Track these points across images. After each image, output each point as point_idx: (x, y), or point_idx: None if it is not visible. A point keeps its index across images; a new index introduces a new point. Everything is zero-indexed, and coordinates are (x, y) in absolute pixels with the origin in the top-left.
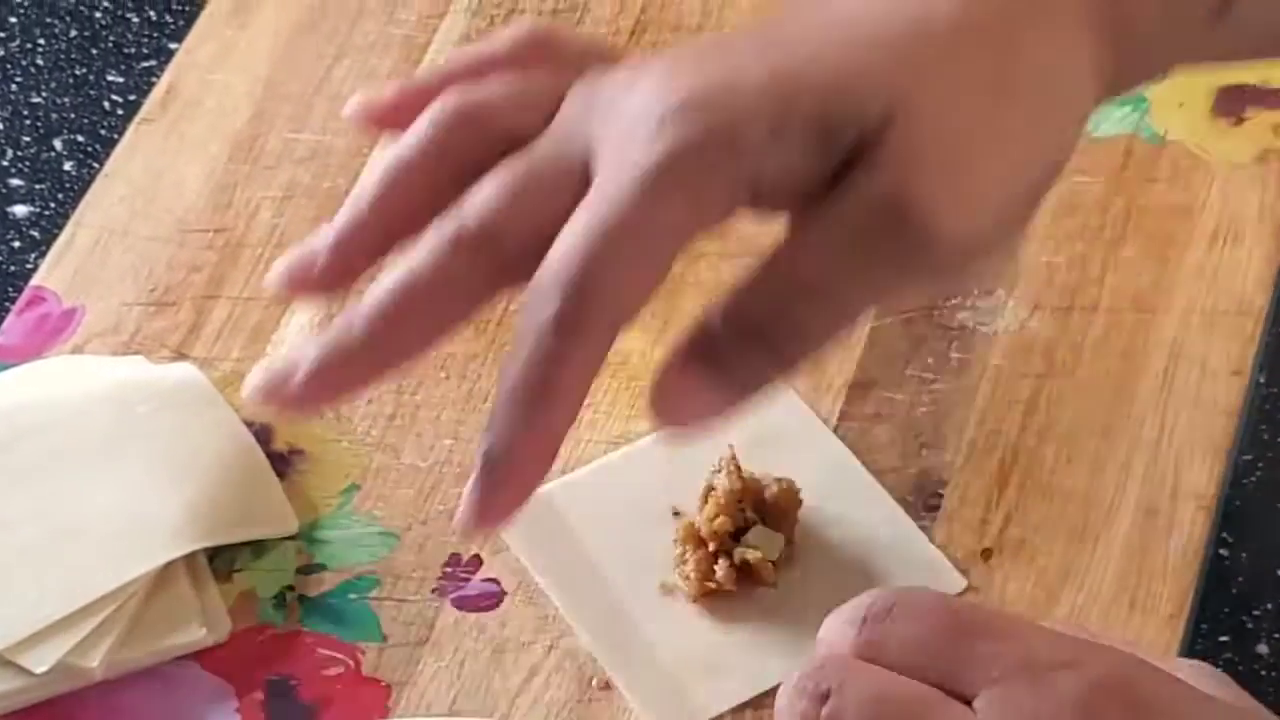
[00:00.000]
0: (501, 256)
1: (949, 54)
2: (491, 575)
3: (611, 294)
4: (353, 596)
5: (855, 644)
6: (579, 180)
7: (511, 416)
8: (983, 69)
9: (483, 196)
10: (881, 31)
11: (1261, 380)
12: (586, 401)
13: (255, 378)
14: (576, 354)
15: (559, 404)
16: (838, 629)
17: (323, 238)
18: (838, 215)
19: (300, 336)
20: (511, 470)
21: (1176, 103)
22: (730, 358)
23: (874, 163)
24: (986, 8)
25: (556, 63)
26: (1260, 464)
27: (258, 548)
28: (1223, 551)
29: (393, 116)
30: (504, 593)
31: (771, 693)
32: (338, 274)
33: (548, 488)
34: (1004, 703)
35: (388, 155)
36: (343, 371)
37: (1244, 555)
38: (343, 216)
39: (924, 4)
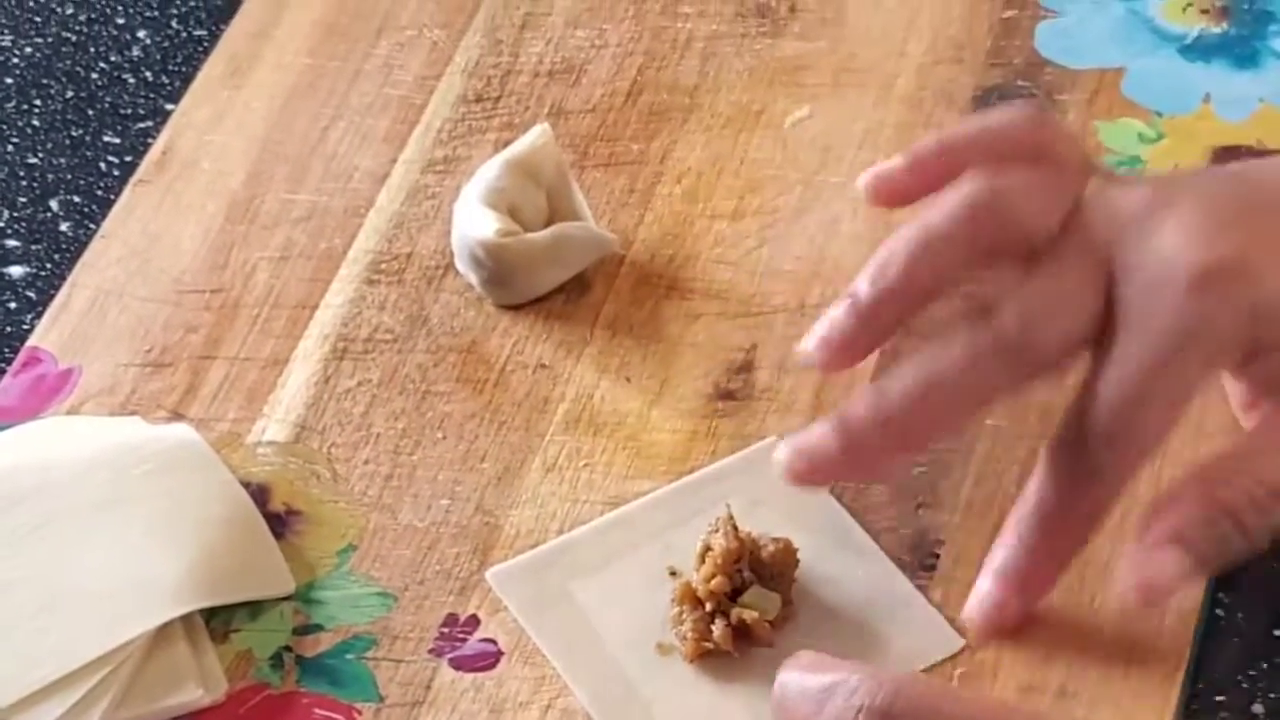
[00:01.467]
0: (1030, 362)
1: None
2: (489, 635)
3: (1139, 445)
4: (350, 657)
5: None
6: (1100, 297)
7: (1034, 539)
8: None
9: (1022, 304)
10: None
11: None
12: (583, 462)
13: (782, 453)
14: (1107, 496)
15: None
16: (805, 705)
17: (848, 307)
18: None
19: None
20: (1024, 583)
21: (1172, 163)
22: (1197, 536)
23: None
24: None
25: (1059, 160)
26: None
27: (254, 608)
28: (1218, 611)
29: (905, 191)
30: (501, 653)
31: None
32: (867, 342)
33: (546, 547)
34: None
35: (917, 228)
36: (861, 452)
37: (1240, 615)
38: (870, 284)
39: None
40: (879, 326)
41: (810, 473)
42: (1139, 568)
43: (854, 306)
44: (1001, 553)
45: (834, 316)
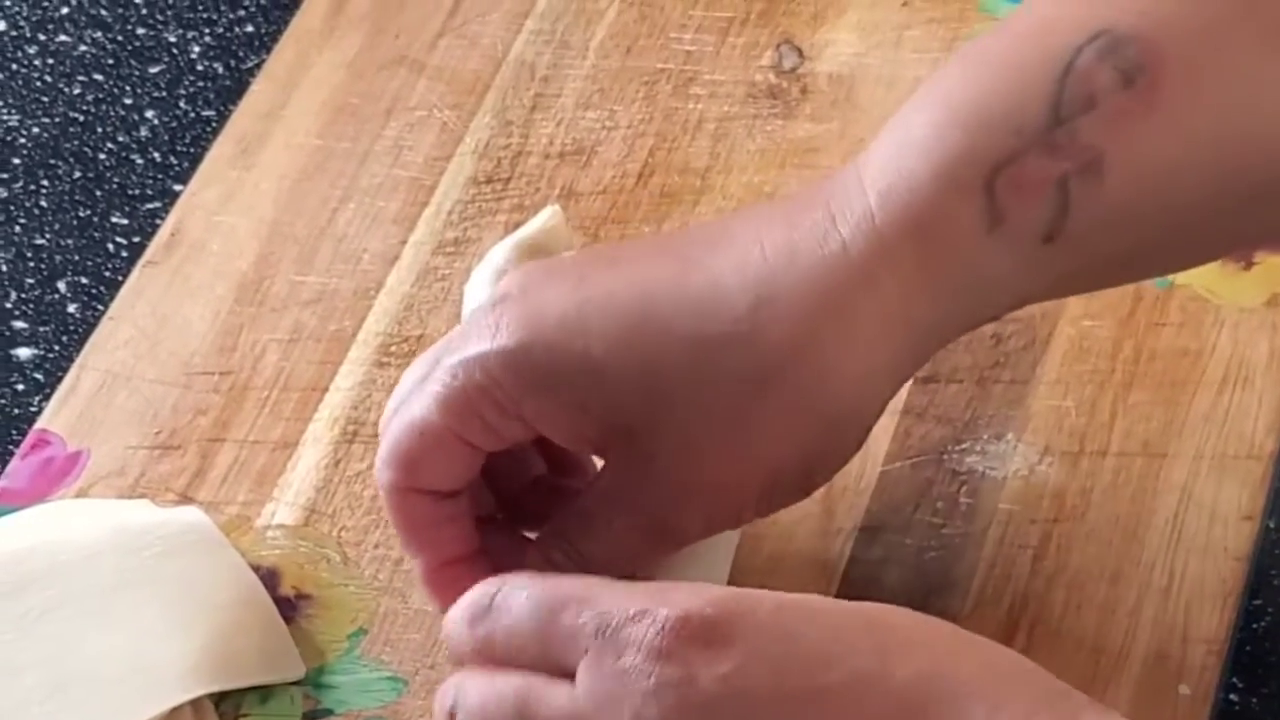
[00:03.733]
0: None
1: (706, 364)
2: None
3: None
4: None
5: (471, 649)
6: None
7: None
8: (743, 384)
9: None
10: (675, 323)
11: (1271, 525)
12: None
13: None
14: None
15: None
16: (456, 630)
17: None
18: (603, 499)
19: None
20: None
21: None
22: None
23: (627, 462)
24: (769, 308)
25: None
26: (1270, 609)
27: (264, 692)
28: (1232, 697)
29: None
30: None
31: None
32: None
33: None
34: (594, 670)
35: None
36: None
37: (1254, 701)
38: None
39: (714, 293)
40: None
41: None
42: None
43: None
44: None
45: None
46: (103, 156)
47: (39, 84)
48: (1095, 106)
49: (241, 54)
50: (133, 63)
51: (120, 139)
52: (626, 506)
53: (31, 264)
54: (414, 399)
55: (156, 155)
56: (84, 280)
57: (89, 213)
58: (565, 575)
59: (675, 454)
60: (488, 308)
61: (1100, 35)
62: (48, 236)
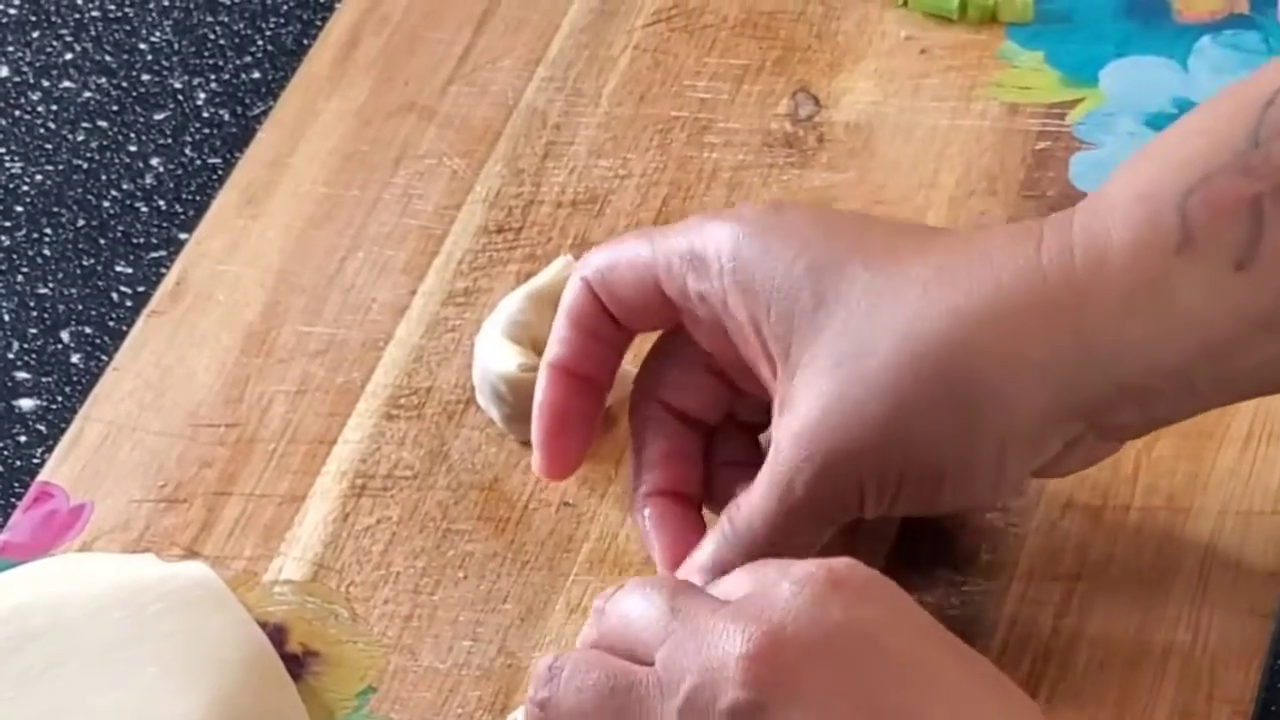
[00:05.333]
0: None
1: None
2: None
3: None
4: None
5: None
6: None
7: None
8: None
9: None
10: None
11: None
12: None
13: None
14: None
15: None
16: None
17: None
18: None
19: None
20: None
21: None
22: None
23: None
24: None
25: None
26: None
27: None
28: None
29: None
30: None
31: None
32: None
33: None
34: (673, 648)
35: None
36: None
37: None
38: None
39: (913, 369)
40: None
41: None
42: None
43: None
44: None
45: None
46: (107, 205)
47: (42, 131)
48: None
49: (248, 101)
50: (137, 109)
51: (125, 187)
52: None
53: (34, 314)
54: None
55: (161, 203)
56: (88, 330)
57: (93, 262)
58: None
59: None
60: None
61: None
62: (51, 286)
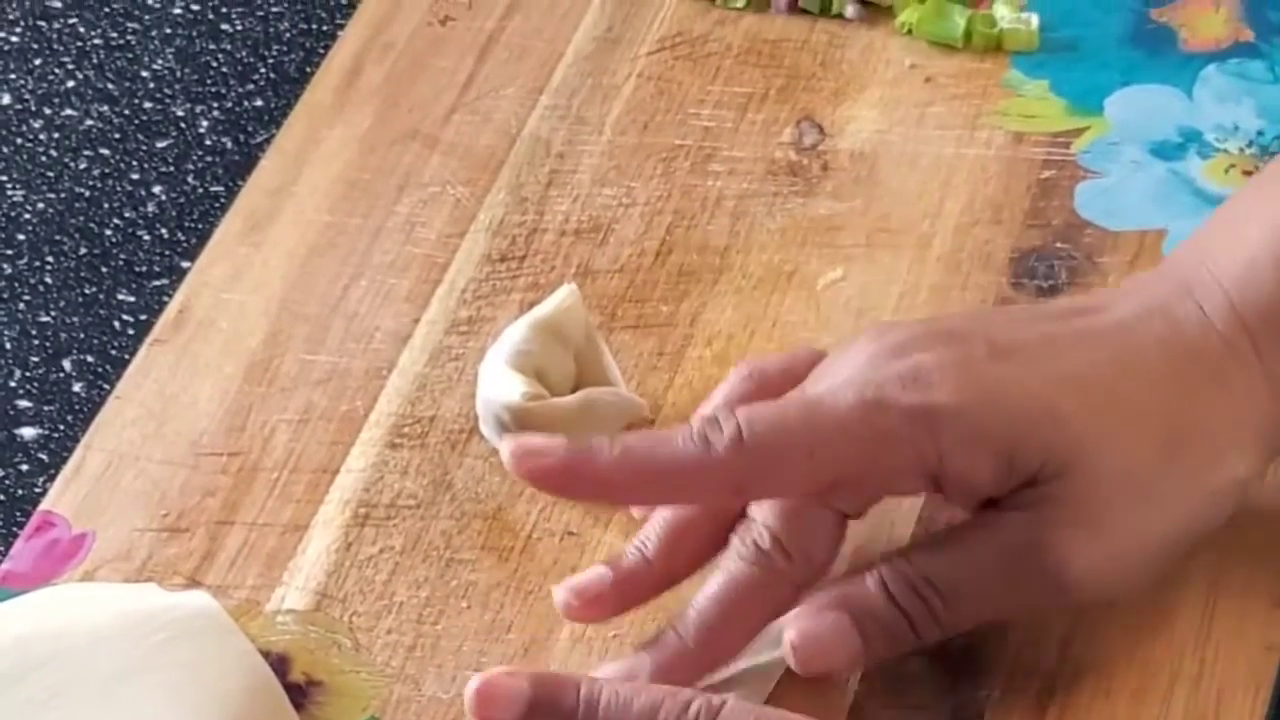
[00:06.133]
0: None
1: (1135, 412)
2: None
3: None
4: None
5: None
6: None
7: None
8: (1156, 431)
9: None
10: (1086, 371)
11: None
12: (612, 632)
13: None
14: None
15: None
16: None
17: (604, 575)
18: (988, 539)
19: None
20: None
21: None
22: (875, 619)
23: (1031, 502)
24: (1173, 361)
25: None
26: None
27: None
28: None
29: (611, 606)
30: None
31: None
32: (616, 609)
33: None
34: None
35: (669, 513)
36: (675, 675)
37: None
38: (628, 562)
39: (1126, 344)
40: (634, 595)
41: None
42: (804, 618)
43: (616, 580)
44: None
45: (590, 577)
46: (109, 232)
47: (44, 159)
48: None
49: (251, 129)
50: (140, 137)
51: (127, 214)
52: (1016, 550)
53: (36, 342)
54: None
55: (164, 231)
56: (89, 359)
57: (95, 290)
58: None
59: (1084, 513)
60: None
61: None
62: (53, 314)
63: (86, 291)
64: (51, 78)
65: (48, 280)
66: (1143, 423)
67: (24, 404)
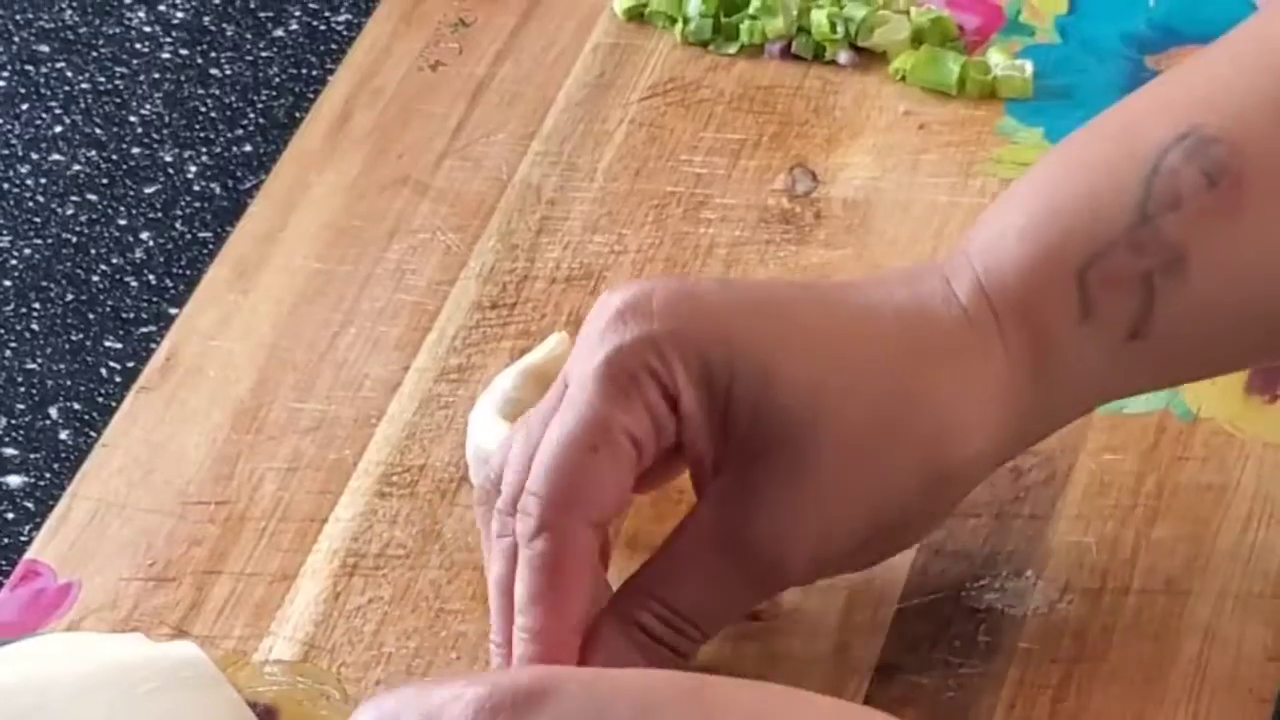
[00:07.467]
0: None
1: (858, 371)
2: None
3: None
4: None
5: None
6: None
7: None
8: (879, 394)
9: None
10: (814, 323)
11: None
12: None
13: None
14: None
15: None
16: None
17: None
18: (708, 538)
19: None
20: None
21: (1210, 379)
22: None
23: (745, 464)
24: (909, 330)
25: None
26: None
27: None
28: None
29: None
30: None
31: None
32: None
33: None
34: None
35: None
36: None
37: None
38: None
39: (864, 308)
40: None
41: None
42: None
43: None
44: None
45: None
46: (96, 279)
47: (31, 204)
48: (1180, 206)
49: (239, 174)
50: (127, 183)
51: (114, 261)
52: (727, 542)
53: (22, 389)
54: (564, 414)
55: (151, 278)
56: (76, 406)
57: (81, 336)
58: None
59: (795, 477)
60: (616, 306)
61: (1187, 135)
62: (39, 361)
63: (73, 338)
64: (39, 122)
65: (34, 327)
66: (866, 382)
67: (9, 451)
